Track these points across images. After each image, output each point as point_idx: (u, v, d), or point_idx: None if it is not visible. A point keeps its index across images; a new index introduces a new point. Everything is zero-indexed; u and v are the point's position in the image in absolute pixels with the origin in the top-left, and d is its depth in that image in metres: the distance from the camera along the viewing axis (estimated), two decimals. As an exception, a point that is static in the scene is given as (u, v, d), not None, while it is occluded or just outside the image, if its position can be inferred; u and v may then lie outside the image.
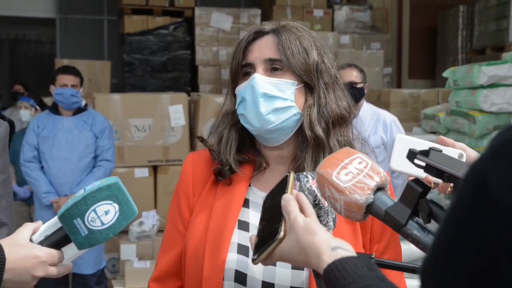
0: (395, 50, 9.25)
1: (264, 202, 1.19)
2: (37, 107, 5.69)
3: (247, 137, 1.46)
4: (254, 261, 1.09)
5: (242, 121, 1.41)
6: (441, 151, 1.07)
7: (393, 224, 1.03)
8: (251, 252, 1.32)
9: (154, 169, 5.57)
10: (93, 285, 4.48)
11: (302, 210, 1.06)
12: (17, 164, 5.56)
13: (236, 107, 1.43)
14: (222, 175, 1.43)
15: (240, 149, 1.45)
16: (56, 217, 1.21)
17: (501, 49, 7.26)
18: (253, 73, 1.39)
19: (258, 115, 1.36)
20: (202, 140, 1.53)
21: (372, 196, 1.05)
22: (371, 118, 4.15)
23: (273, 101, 1.36)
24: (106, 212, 1.18)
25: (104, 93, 6.67)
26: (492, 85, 4.73)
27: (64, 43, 9.29)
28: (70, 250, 1.22)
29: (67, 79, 4.41)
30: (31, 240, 1.18)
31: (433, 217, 1.00)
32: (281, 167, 1.45)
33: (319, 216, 1.17)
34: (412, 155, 1.03)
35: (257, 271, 1.33)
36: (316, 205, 1.17)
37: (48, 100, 5.93)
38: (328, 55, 1.45)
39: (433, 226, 1.02)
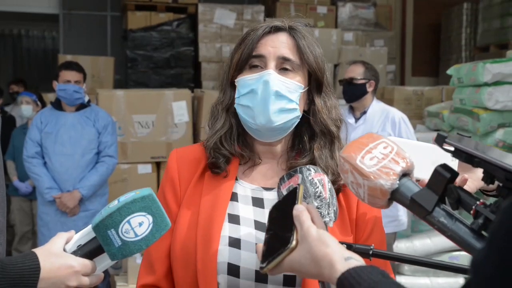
0: (398, 48, 9.23)
1: (271, 212, 1.19)
2: (38, 102, 5.70)
3: (241, 129, 1.46)
4: (262, 269, 1.08)
5: (242, 113, 1.40)
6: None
7: (418, 211, 0.99)
8: (243, 244, 1.34)
9: (157, 165, 5.57)
10: (96, 281, 4.47)
11: (313, 221, 1.05)
12: (17, 159, 5.58)
13: (236, 97, 1.41)
14: (217, 167, 1.42)
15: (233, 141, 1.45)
16: (89, 227, 1.21)
17: (505, 46, 7.23)
18: (262, 67, 1.39)
19: (265, 112, 1.36)
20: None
21: (398, 181, 1.02)
22: (380, 115, 4.19)
23: (282, 100, 1.37)
24: (140, 224, 1.18)
25: (107, 89, 6.66)
26: (496, 83, 4.72)
27: (67, 39, 9.29)
28: (103, 260, 1.22)
29: (70, 75, 4.41)
30: (64, 250, 1.19)
31: (462, 204, 0.96)
32: (270, 161, 1.46)
33: (320, 208, 1.17)
34: (441, 139, 0.99)
35: (250, 262, 1.33)
36: (318, 197, 1.18)
37: (51, 96, 5.93)
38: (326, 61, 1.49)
39: (460, 213, 1.00)
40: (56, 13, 9.38)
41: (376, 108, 4.23)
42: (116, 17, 9.25)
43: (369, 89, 4.19)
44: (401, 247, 4.78)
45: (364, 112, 4.23)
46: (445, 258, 4.81)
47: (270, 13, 7.95)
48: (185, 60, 7.76)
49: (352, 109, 4.32)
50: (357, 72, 4.21)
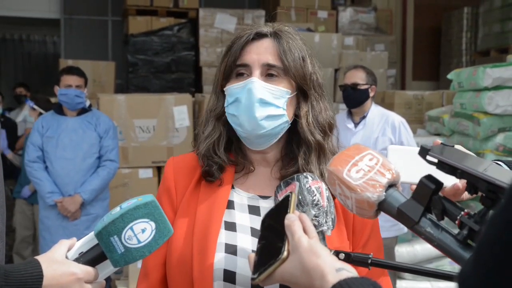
0: (399, 52, 9.24)
1: (263, 221, 1.17)
2: (35, 107, 5.70)
3: (234, 138, 1.46)
4: (253, 280, 1.07)
5: (231, 122, 1.41)
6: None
7: (405, 221, 1.01)
8: (239, 251, 1.33)
9: (158, 169, 5.58)
10: (97, 285, 4.47)
11: (305, 231, 1.04)
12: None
13: (225, 106, 1.42)
14: (211, 175, 1.42)
15: (226, 149, 1.45)
16: (92, 234, 1.20)
17: (505, 51, 7.24)
18: (248, 74, 1.39)
19: (251, 119, 1.36)
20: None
21: (384, 193, 1.04)
22: (379, 120, 4.16)
23: (267, 107, 1.37)
24: (143, 230, 1.18)
25: (108, 94, 6.68)
26: (496, 87, 4.72)
27: (69, 43, 9.31)
28: (105, 267, 1.22)
29: (72, 79, 4.42)
30: (66, 257, 1.18)
31: (447, 214, 0.98)
32: (264, 170, 1.46)
33: (317, 216, 1.17)
34: (424, 151, 1.01)
35: (246, 269, 1.31)
36: (315, 205, 1.17)
37: (52, 101, 5.95)
38: (317, 63, 1.47)
39: (446, 223, 1.01)
40: (57, 17, 9.41)
41: (375, 112, 4.21)
42: (117, 22, 9.27)
43: (371, 94, 4.19)
44: (402, 251, 4.78)
45: (364, 117, 4.21)
46: (445, 263, 4.81)
47: (270, 17, 7.97)
48: (186, 65, 7.77)
49: (350, 114, 4.27)
50: (359, 77, 4.17)
